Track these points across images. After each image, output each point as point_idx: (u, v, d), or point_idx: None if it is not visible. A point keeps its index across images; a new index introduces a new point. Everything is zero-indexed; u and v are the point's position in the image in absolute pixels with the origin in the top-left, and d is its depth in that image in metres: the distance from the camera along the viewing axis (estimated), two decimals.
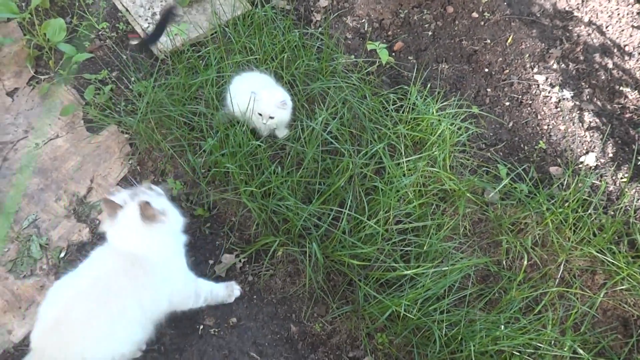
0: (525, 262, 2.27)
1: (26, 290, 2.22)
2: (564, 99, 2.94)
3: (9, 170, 2.51)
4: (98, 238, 2.35)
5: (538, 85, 3.01)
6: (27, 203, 2.43)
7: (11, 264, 2.27)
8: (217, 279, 2.30)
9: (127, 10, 3.06)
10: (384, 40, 3.10)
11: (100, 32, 2.99)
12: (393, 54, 3.07)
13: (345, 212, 2.20)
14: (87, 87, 2.72)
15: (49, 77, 2.80)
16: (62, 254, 2.30)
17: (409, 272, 2.13)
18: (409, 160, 2.39)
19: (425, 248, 2.24)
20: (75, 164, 2.56)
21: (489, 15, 3.27)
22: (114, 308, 1.74)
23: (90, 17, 3.01)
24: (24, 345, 2.11)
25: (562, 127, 2.86)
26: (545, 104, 2.94)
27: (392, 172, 2.34)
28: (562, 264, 2.32)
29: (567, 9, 3.32)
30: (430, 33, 3.18)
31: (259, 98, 2.31)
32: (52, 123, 2.67)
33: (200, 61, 2.74)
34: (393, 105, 2.64)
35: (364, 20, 3.19)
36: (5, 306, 2.18)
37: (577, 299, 2.26)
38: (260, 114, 2.35)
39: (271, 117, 2.35)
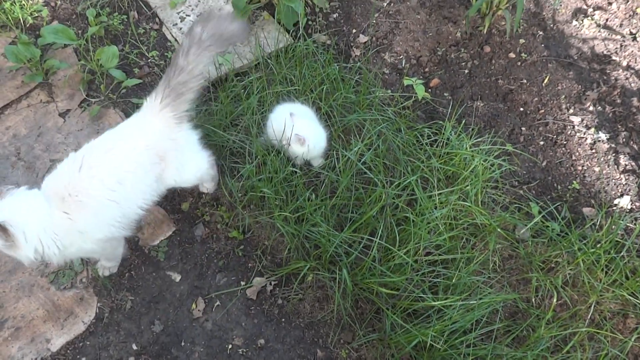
0: (555, 301, 2.26)
1: (66, 302, 2.32)
2: (599, 140, 2.95)
3: None
4: (137, 256, 2.45)
5: (573, 126, 3.02)
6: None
7: (53, 275, 2.38)
8: (248, 301, 2.36)
9: (175, 40, 3.23)
10: (421, 77, 3.18)
11: (149, 60, 3.15)
12: (429, 90, 3.14)
13: (376, 241, 2.24)
14: (134, 110, 2.86)
15: (99, 100, 2.96)
16: None
17: (436, 303, 2.15)
18: (441, 194, 2.43)
19: (453, 281, 2.25)
20: None
21: (525, 56, 3.32)
22: None
23: (141, 46, 3.19)
24: (61, 354, 2.20)
25: (597, 169, 2.85)
26: (580, 145, 2.95)
27: (424, 204, 2.37)
28: (593, 305, 2.30)
29: (605, 52, 3.35)
30: (466, 71, 3.25)
31: (292, 124, 2.40)
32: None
33: (243, 90, 2.86)
34: (427, 139, 2.69)
35: (401, 57, 3.28)
36: (45, 315, 2.28)
37: (608, 341, 2.23)
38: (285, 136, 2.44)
39: (289, 145, 2.44)
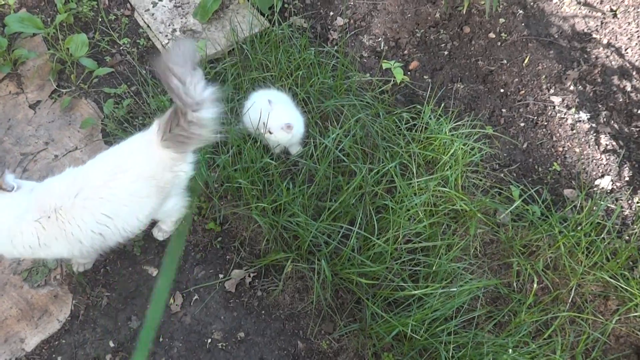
0: (536, 285, 2.25)
1: (40, 300, 2.27)
2: (580, 121, 2.93)
3: (28, 180, 2.57)
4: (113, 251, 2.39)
5: (554, 106, 3.00)
6: None
7: (26, 272, 2.32)
8: (227, 294, 2.32)
9: (148, 26, 3.13)
10: (400, 59, 3.12)
11: (121, 48, 3.06)
12: (408, 72, 3.09)
13: (355, 230, 2.21)
14: (107, 100, 2.78)
15: (70, 90, 2.87)
16: None
17: (417, 292, 2.13)
18: (420, 180, 2.39)
19: (434, 268, 2.23)
20: None
21: (505, 35, 3.27)
22: None
23: (112, 33, 3.10)
24: (36, 354, 2.15)
25: (578, 150, 2.84)
26: (561, 125, 2.93)
27: (404, 191, 2.34)
28: (574, 289, 2.30)
29: (585, 30, 3.31)
30: (446, 53, 3.19)
31: (272, 111, 2.34)
32: (71, 135, 2.74)
33: (217, 77, 2.78)
34: (406, 124, 2.65)
35: (380, 39, 3.22)
36: (19, 314, 2.23)
37: (589, 324, 2.23)
38: (264, 124, 2.37)
39: (270, 132, 2.37)
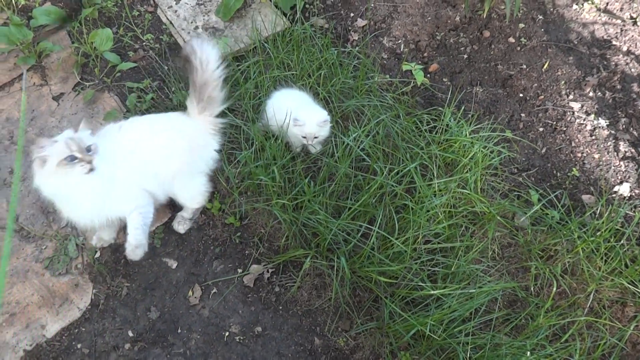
0: (554, 290, 2.25)
1: (61, 288, 2.29)
2: (599, 127, 2.93)
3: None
4: None
5: (573, 112, 3.00)
6: None
7: (48, 261, 2.35)
8: (245, 288, 2.34)
9: (170, 23, 3.17)
10: (420, 62, 3.14)
11: (144, 43, 3.09)
12: (428, 75, 3.10)
13: (375, 229, 2.22)
14: (130, 95, 2.81)
15: (93, 83, 2.90)
16: (97, 255, 2.37)
17: (435, 292, 2.14)
18: (440, 181, 2.40)
19: (452, 269, 2.24)
20: None
21: (525, 40, 3.28)
22: None
23: (135, 29, 3.13)
24: (56, 340, 2.18)
25: (597, 156, 2.83)
26: (580, 131, 2.93)
27: (423, 191, 2.35)
28: (592, 294, 2.29)
29: (605, 37, 3.32)
30: (465, 56, 3.20)
31: (302, 122, 2.37)
32: (93, 128, 2.76)
33: (239, 74, 2.81)
34: (426, 125, 2.66)
35: (400, 41, 3.23)
36: (40, 301, 2.25)
37: (606, 330, 2.23)
38: (304, 137, 2.42)
39: (316, 137, 2.42)
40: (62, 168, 1.92)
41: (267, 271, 2.38)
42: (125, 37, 3.09)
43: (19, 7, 3.17)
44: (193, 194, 2.36)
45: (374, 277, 2.22)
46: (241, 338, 2.24)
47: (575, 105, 3.02)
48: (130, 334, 2.22)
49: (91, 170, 1.94)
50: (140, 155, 2.16)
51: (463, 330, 2.10)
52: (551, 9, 3.47)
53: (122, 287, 2.31)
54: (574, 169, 2.78)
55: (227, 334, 2.24)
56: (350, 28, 3.28)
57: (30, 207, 2.49)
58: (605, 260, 2.36)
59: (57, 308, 2.25)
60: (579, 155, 2.85)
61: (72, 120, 2.76)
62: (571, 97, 3.06)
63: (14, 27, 2.83)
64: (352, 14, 3.35)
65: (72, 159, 1.91)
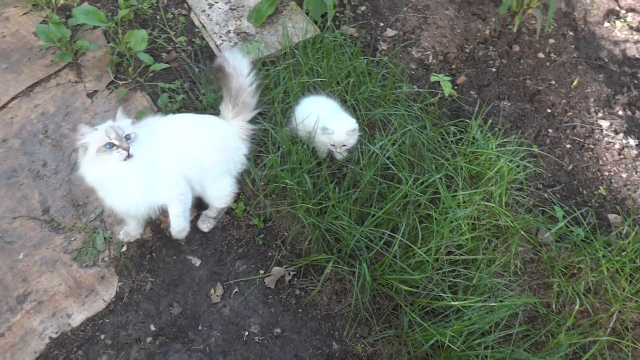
0: (577, 308, 2.23)
1: (88, 279, 2.34)
2: (628, 146, 2.90)
3: None
4: (159, 238, 2.46)
5: (601, 130, 2.98)
6: (96, 198, 2.54)
7: (76, 252, 2.40)
8: (266, 290, 2.37)
9: (203, 26, 3.23)
10: (448, 73, 3.15)
11: (177, 45, 3.16)
12: (456, 87, 3.11)
13: (398, 238, 2.23)
14: (161, 94, 2.87)
15: (126, 82, 2.97)
16: (124, 249, 2.42)
17: (456, 303, 2.14)
18: (465, 193, 2.41)
19: (474, 281, 2.24)
20: None
21: (555, 56, 3.27)
22: None
23: (169, 31, 3.20)
24: (80, 330, 2.22)
25: (624, 175, 2.81)
26: (608, 150, 2.91)
27: (448, 202, 2.36)
28: (615, 314, 2.27)
29: (636, 56, 3.30)
30: (494, 70, 3.21)
31: (331, 130, 2.41)
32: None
33: (269, 79, 2.85)
34: (453, 137, 2.67)
35: (429, 53, 3.25)
36: (67, 291, 2.31)
37: (629, 351, 2.20)
38: (332, 145, 2.45)
39: (344, 145, 2.44)
40: (101, 155, 2.00)
41: (289, 274, 2.40)
42: (159, 39, 3.16)
43: (59, 6, 3.26)
44: (221, 193, 2.41)
45: (395, 285, 2.23)
46: (260, 338, 2.26)
47: (604, 124, 3.00)
48: (152, 328, 2.26)
49: (128, 157, 2.00)
50: (182, 144, 2.25)
51: (482, 344, 2.10)
52: (582, 26, 3.46)
53: (147, 282, 2.36)
54: (600, 187, 2.76)
55: (246, 333, 2.27)
56: (379, 38, 3.30)
57: (62, 199, 2.55)
58: (630, 281, 2.33)
59: (83, 298, 2.30)
60: (606, 173, 2.83)
61: (105, 117, 2.83)
62: (600, 114, 3.04)
63: (53, 25, 2.92)
64: (381, 24, 3.38)
65: (110, 146, 1.99)
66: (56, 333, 2.22)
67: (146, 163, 2.08)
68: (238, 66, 2.42)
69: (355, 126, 2.42)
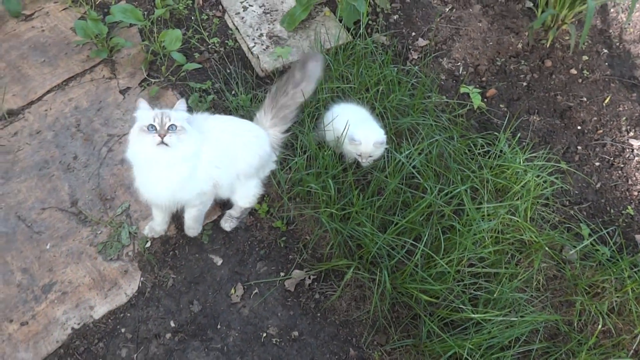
0: (599, 328, 2.20)
1: (111, 272, 2.39)
2: None
3: (112, 160, 2.72)
4: (183, 236, 2.50)
5: (632, 149, 2.93)
6: (124, 192, 2.62)
7: (102, 245, 2.45)
8: (286, 292, 2.38)
9: (236, 28, 3.27)
10: (478, 86, 3.14)
11: (210, 46, 3.20)
12: (485, 99, 3.09)
13: (420, 247, 2.22)
14: (192, 94, 2.92)
15: (159, 80, 3.03)
16: (148, 244, 2.46)
17: (476, 316, 2.12)
18: (490, 206, 2.39)
19: (495, 295, 2.22)
20: None
21: (587, 73, 3.23)
22: None
23: (203, 32, 3.25)
24: (102, 322, 2.26)
25: None
26: (638, 169, 2.86)
27: (472, 214, 2.34)
28: (639, 336, 2.23)
29: None
30: (525, 84, 3.18)
31: (358, 141, 2.41)
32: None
33: None
34: (480, 149, 2.66)
35: (459, 64, 3.24)
36: (91, 283, 2.35)
37: None
38: (359, 155, 2.46)
39: (370, 156, 2.46)
40: (142, 133, 2.07)
41: (309, 277, 2.41)
42: (192, 39, 3.21)
43: (97, 3, 3.34)
44: (246, 193, 2.45)
45: (415, 295, 2.22)
46: (278, 340, 2.27)
47: (635, 143, 2.95)
48: (172, 324, 2.29)
49: (161, 143, 2.04)
50: (224, 147, 2.29)
51: (501, 358, 2.08)
52: (617, 44, 3.41)
53: (169, 278, 2.39)
54: (628, 207, 2.72)
55: (264, 334, 2.28)
56: (410, 47, 3.31)
57: (90, 192, 2.60)
58: None
59: (105, 291, 2.34)
60: (635, 193, 2.78)
61: None
62: (631, 134, 3.00)
63: (90, 22, 2.99)
64: (413, 33, 3.38)
65: (152, 128, 2.05)
66: (78, 324, 2.26)
67: (183, 160, 2.13)
68: (299, 91, 2.47)
69: (383, 138, 2.43)
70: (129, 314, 2.30)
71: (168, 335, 2.26)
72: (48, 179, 2.64)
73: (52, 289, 2.34)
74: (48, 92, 2.94)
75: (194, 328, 2.28)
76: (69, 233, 2.48)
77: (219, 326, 2.29)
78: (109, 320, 2.28)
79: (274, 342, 2.27)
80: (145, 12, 3.32)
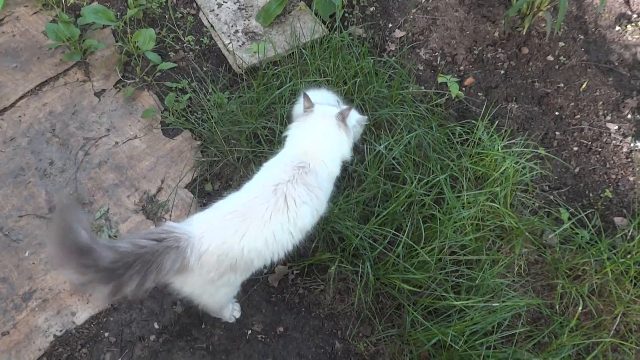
0: (580, 309, 2.22)
1: None
2: (636, 150, 2.88)
3: (89, 164, 2.69)
4: None
5: (609, 133, 2.96)
6: (102, 196, 2.59)
7: None
8: (269, 288, 2.37)
9: (211, 26, 3.25)
10: (455, 75, 3.14)
11: (185, 45, 3.18)
12: (463, 88, 3.10)
13: (402, 238, 2.23)
14: (168, 94, 2.89)
15: (134, 81, 3.00)
16: None
17: (458, 303, 2.13)
18: (469, 193, 2.40)
19: (477, 282, 2.23)
20: (149, 164, 2.72)
21: (564, 59, 3.25)
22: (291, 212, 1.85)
23: (177, 30, 3.22)
24: (85, 328, 2.24)
25: (632, 178, 2.79)
26: (616, 153, 2.88)
27: (452, 203, 2.35)
28: (619, 316, 2.25)
29: None
30: (502, 72, 3.20)
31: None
32: (132, 124, 2.85)
33: (275, 79, 2.86)
34: (458, 138, 2.66)
35: (437, 54, 3.25)
36: (71, 289, 2.32)
37: (632, 354, 2.18)
38: None
39: None
40: None
41: (292, 273, 2.41)
42: (167, 38, 3.18)
43: (68, 5, 3.30)
44: None
45: (398, 285, 2.22)
46: (263, 337, 2.27)
47: (612, 127, 2.98)
48: (156, 326, 2.27)
49: None
50: None
51: (485, 343, 2.09)
52: (593, 29, 3.43)
53: None
54: (607, 190, 2.74)
55: (249, 332, 2.28)
56: (387, 38, 3.30)
57: (67, 197, 2.57)
58: (635, 284, 2.31)
59: (87, 296, 2.32)
60: (613, 176, 2.81)
61: (112, 116, 2.85)
62: (608, 118, 3.02)
63: (62, 24, 2.95)
64: (390, 25, 3.38)
65: None
66: (60, 331, 2.24)
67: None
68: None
69: (363, 116, 2.34)
70: (111, 318, 2.28)
71: (152, 337, 2.24)
72: (24, 186, 2.60)
73: (32, 297, 2.31)
74: (21, 97, 2.89)
75: (178, 329, 2.27)
76: (47, 239, 2.45)
77: (203, 326, 2.28)
78: (92, 325, 2.26)
79: (260, 338, 2.27)
80: (118, 13, 3.28)
